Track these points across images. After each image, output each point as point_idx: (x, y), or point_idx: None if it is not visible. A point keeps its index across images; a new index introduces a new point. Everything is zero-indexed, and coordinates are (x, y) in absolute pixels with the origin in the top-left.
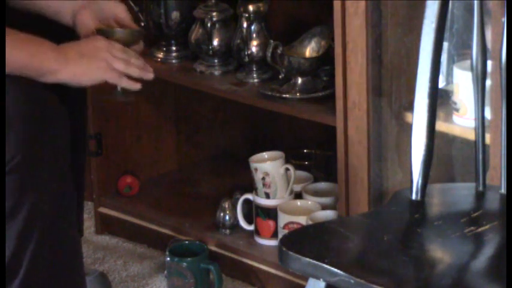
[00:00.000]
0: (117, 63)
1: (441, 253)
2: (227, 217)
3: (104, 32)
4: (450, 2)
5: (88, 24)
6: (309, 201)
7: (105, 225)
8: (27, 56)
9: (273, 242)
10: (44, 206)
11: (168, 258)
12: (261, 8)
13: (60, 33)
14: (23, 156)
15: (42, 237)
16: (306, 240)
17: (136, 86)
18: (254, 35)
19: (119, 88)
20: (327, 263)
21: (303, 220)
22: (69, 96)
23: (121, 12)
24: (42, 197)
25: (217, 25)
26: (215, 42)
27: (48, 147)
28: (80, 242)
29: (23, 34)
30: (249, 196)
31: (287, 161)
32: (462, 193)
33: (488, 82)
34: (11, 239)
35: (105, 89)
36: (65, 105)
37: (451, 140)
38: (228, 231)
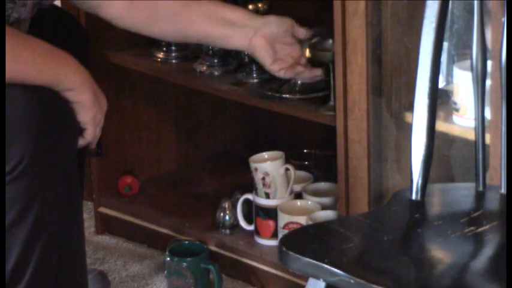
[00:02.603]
0: (92, 127)
1: (441, 253)
2: (227, 217)
3: (316, 44)
4: (450, 2)
5: (265, 46)
6: (309, 201)
7: (105, 225)
8: (48, 75)
9: (273, 242)
10: (52, 211)
11: (168, 258)
12: (261, 8)
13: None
14: (32, 160)
15: (49, 242)
16: (306, 240)
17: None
18: None
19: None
20: (327, 263)
21: (303, 220)
22: None
23: (294, 25)
24: (51, 201)
25: None
26: None
27: (57, 151)
28: (84, 244)
29: (44, 45)
30: (249, 196)
31: (287, 161)
32: (462, 193)
33: (488, 82)
34: (17, 243)
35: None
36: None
37: (451, 140)
38: (228, 231)
